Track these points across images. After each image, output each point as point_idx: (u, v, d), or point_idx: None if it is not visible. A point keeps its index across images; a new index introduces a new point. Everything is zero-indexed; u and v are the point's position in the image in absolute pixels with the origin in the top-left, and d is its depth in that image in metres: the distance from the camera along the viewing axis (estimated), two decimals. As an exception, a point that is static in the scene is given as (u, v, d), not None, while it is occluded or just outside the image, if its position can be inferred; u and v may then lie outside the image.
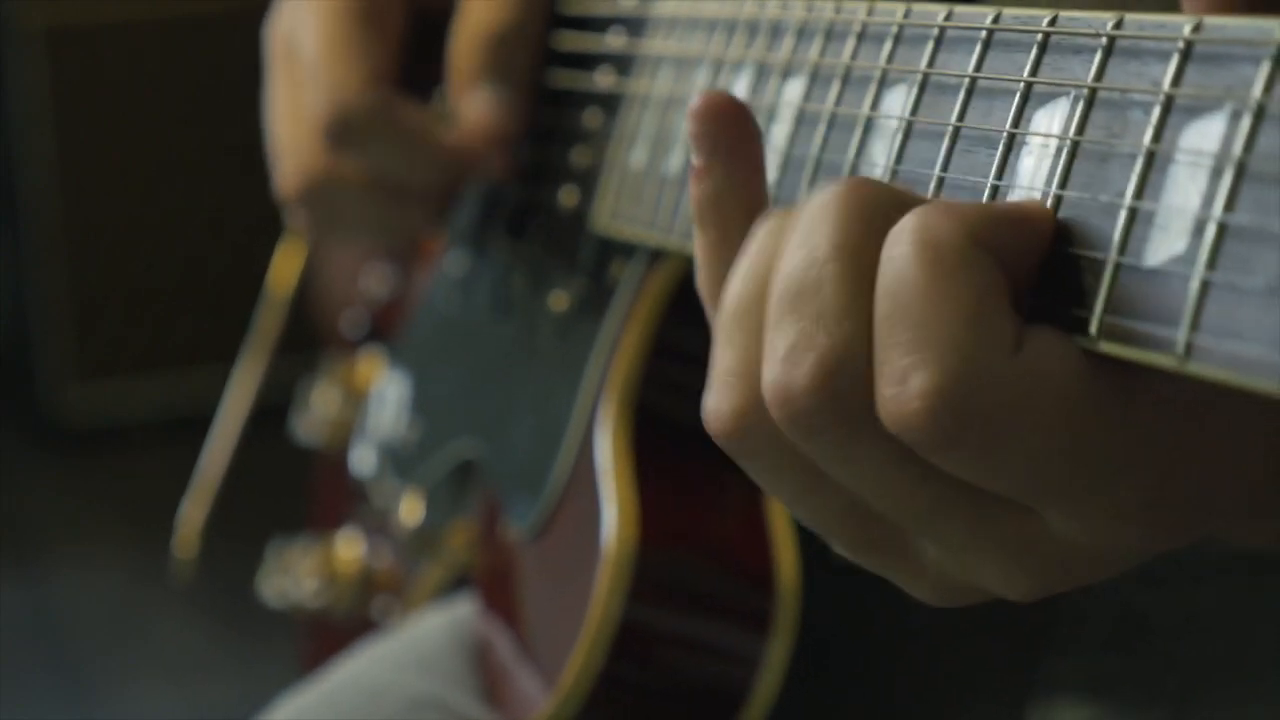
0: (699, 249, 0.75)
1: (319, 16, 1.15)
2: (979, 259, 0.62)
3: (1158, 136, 0.61)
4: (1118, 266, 0.61)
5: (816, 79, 0.81)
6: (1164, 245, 0.59)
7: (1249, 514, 0.65)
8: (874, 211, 0.65)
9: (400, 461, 1.28)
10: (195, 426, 1.82)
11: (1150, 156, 0.61)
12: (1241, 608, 0.97)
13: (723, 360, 0.70)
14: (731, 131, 0.73)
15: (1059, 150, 0.65)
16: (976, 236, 0.62)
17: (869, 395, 0.64)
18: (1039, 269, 0.64)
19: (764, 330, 0.67)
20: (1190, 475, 0.63)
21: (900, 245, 0.62)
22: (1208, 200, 0.58)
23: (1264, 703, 0.95)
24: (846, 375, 0.64)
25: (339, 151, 1.14)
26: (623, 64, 1.04)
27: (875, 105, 0.76)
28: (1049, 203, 0.65)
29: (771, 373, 0.66)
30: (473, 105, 1.13)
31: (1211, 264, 0.57)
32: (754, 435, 0.69)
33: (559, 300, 1.09)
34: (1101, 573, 0.67)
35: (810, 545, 1.01)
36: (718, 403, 0.70)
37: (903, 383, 0.62)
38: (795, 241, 0.66)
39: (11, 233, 3.61)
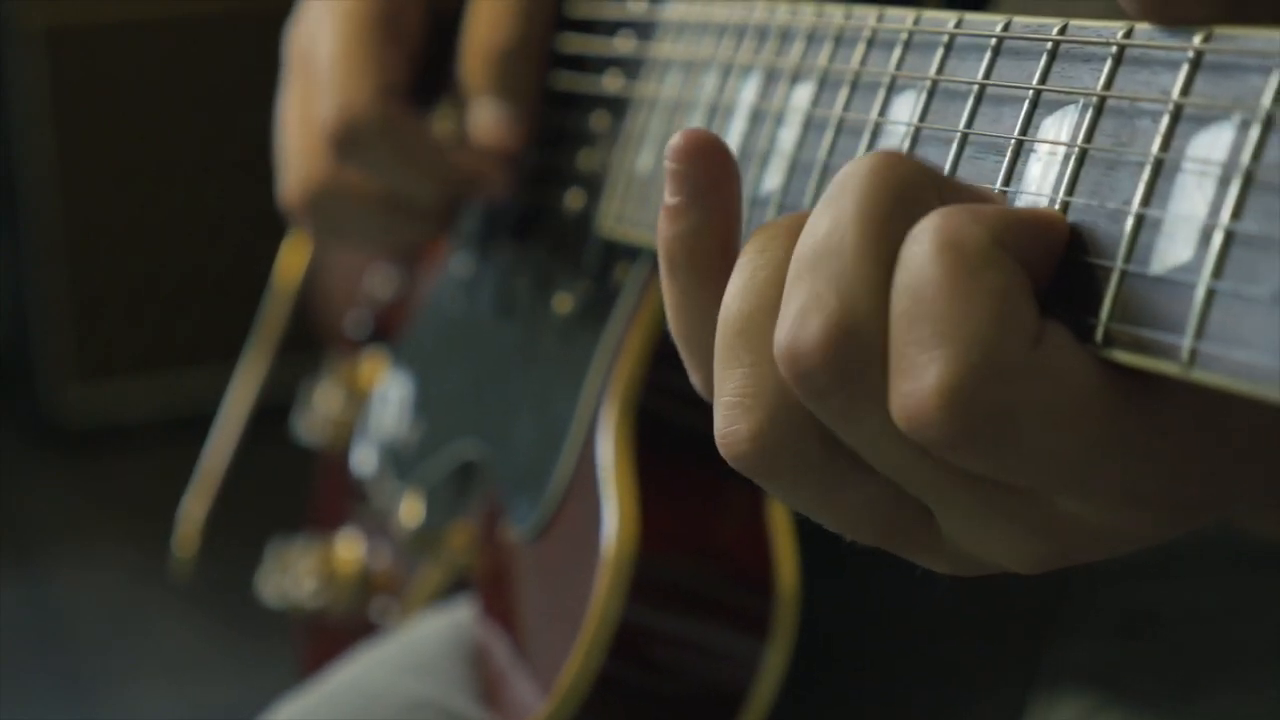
0: (670, 295, 0.72)
1: (335, 23, 1.15)
2: (1001, 258, 0.61)
3: (1166, 145, 0.61)
4: (1123, 274, 0.61)
5: (825, 84, 0.81)
6: (1170, 253, 0.59)
7: (1265, 501, 0.65)
8: (904, 187, 0.64)
9: (401, 462, 1.28)
10: (195, 426, 1.82)
11: (1158, 165, 0.61)
12: (1246, 600, 0.97)
13: (729, 382, 0.68)
14: (712, 171, 0.71)
15: (1067, 157, 0.65)
16: (999, 238, 0.61)
17: (879, 363, 0.63)
18: (1053, 274, 0.63)
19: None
20: (1208, 465, 0.63)
21: (921, 243, 0.61)
22: (1215, 209, 0.58)
23: (1268, 694, 0.95)
24: (854, 339, 0.63)
25: (344, 162, 1.13)
26: (630, 67, 1.05)
27: (884, 111, 0.76)
28: (1057, 209, 0.65)
29: (782, 330, 0.64)
30: (480, 122, 1.13)
31: (1218, 272, 0.57)
32: (772, 455, 0.67)
33: (563, 303, 1.09)
34: (1111, 551, 0.66)
35: (809, 548, 1.01)
36: (733, 427, 0.67)
37: (919, 379, 0.60)
38: (820, 208, 0.65)
39: (11, 233, 3.61)
